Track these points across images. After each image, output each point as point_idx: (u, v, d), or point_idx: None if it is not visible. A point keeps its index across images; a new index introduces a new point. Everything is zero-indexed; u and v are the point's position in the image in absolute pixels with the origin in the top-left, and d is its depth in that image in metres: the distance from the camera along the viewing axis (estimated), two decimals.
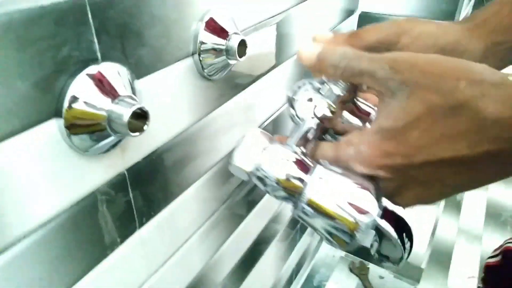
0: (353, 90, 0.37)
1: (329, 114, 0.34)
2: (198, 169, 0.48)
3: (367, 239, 0.29)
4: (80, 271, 0.34)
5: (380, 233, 0.30)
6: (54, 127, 0.29)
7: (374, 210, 0.29)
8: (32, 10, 0.25)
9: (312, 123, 0.34)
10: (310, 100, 0.35)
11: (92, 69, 0.29)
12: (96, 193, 0.34)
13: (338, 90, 0.35)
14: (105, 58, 0.31)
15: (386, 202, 0.30)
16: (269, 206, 0.76)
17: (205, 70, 0.42)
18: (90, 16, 0.29)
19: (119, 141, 0.33)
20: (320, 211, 0.29)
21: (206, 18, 0.41)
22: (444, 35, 0.35)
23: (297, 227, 0.98)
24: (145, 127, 0.30)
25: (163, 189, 0.43)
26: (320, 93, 0.36)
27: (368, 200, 0.29)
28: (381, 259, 0.31)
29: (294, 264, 1.04)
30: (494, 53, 0.35)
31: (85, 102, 0.29)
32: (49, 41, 0.26)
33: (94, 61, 0.30)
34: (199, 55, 0.41)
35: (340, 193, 0.29)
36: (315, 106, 0.35)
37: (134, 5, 0.32)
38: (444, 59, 0.26)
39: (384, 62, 0.27)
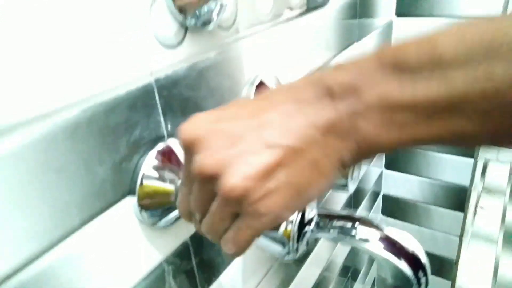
0: None
1: None
2: None
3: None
4: None
5: (395, 269, 0.29)
6: (127, 205, 0.30)
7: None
8: (110, 101, 0.27)
9: None
10: None
11: (161, 146, 0.31)
12: (163, 264, 0.34)
13: None
14: (171, 134, 0.32)
15: (401, 238, 0.30)
16: (321, 256, 0.74)
17: None
18: (157, 97, 0.30)
19: None
20: None
21: (257, 82, 0.42)
22: None
23: (348, 274, 0.95)
24: None
25: (222, 252, 0.42)
26: None
27: None
28: None
29: None
30: None
31: (155, 178, 0.30)
32: (123, 126, 0.28)
33: (162, 138, 0.31)
34: None
35: None
36: None
37: (194, 80, 0.34)
38: None
39: None
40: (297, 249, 0.29)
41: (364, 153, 0.21)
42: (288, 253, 0.29)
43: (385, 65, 0.20)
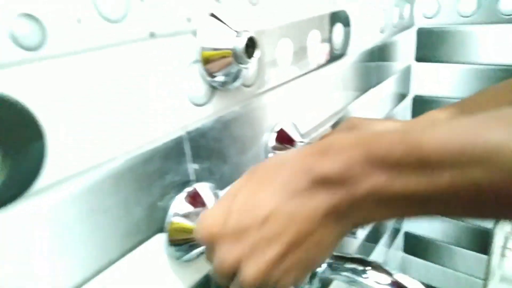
0: None
1: None
2: None
3: None
4: None
5: None
6: (158, 240, 0.34)
7: None
8: (148, 152, 0.32)
9: None
10: None
11: (188, 189, 0.35)
12: None
13: None
14: (198, 179, 0.37)
15: (410, 284, 0.32)
16: None
17: None
18: (187, 147, 0.35)
19: None
20: None
21: (276, 129, 0.47)
22: (385, 126, 0.43)
23: None
24: None
25: None
26: None
27: None
28: None
29: None
30: None
31: (183, 217, 0.34)
32: (158, 173, 0.33)
33: (189, 182, 0.36)
34: None
35: None
36: None
37: (219, 131, 0.39)
38: None
39: None
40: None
41: (362, 226, 0.25)
42: None
43: (374, 159, 0.22)
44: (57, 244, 0.26)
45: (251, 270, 0.25)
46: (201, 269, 0.40)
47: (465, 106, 0.42)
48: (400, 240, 1.11)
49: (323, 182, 0.23)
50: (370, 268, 0.36)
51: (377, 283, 0.33)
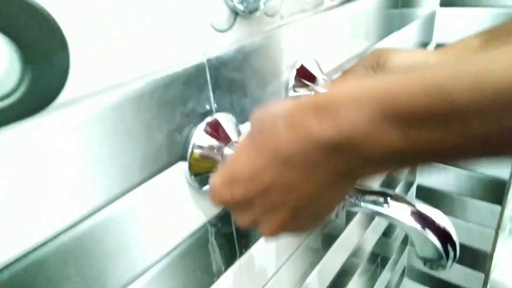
0: None
1: None
2: None
3: None
4: None
5: (424, 241, 0.33)
6: (179, 169, 0.34)
7: None
8: (170, 76, 0.31)
9: None
10: None
11: (209, 119, 0.35)
12: (207, 225, 0.39)
13: None
14: (218, 110, 0.36)
15: (432, 213, 0.32)
16: (349, 241, 0.77)
17: None
18: (208, 75, 0.34)
19: None
20: None
21: (297, 66, 0.45)
22: (415, 57, 0.42)
23: (377, 261, 0.97)
24: None
25: None
26: None
27: None
28: (430, 264, 0.34)
29: None
30: None
31: (204, 146, 0.34)
32: (179, 99, 0.32)
33: (210, 112, 0.35)
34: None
35: None
36: None
37: (240, 62, 0.37)
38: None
39: None
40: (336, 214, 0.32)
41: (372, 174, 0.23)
42: None
43: (389, 117, 0.18)
44: (81, 161, 0.26)
45: (266, 229, 0.27)
46: None
47: (496, 33, 0.40)
48: (412, 192, 1.12)
49: (326, 149, 0.20)
50: (391, 199, 0.36)
51: (399, 212, 0.33)
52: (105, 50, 0.26)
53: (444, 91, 0.17)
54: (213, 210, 0.39)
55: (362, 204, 0.35)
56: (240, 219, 0.28)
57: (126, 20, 0.27)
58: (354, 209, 0.36)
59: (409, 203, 0.34)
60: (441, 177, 1.04)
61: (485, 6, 0.79)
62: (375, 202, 0.35)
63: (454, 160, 0.20)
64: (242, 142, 0.27)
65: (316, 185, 0.23)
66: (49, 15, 0.22)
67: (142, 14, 0.27)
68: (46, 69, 0.23)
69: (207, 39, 0.33)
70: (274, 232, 0.27)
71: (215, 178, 0.28)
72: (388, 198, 0.35)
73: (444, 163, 0.21)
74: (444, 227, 0.33)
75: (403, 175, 1.00)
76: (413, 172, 1.08)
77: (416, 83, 0.18)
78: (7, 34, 0.21)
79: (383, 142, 0.19)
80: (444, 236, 0.33)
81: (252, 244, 0.46)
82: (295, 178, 0.23)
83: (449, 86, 0.17)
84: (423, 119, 0.18)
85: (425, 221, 0.33)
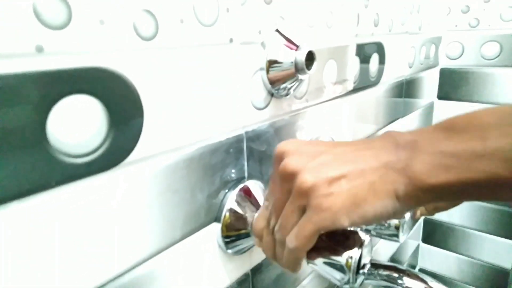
0: None
1: None
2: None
3: None
4: None
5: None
6: (213, 230, 0.37)
7: None
8: (215, 144, 0.35)
9: None
10: None
11: (242, 184, 0.38)
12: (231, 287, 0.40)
13: None
14: (250, 177, 0.40)
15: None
16: None
17: None
18: (245, 146, 0.38)
19: (253, 246, 0.40)
20: None
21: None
22: None
23: None
24: None
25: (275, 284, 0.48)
26: None
27: None
28: None
29: None
30: None
31: (237, 210, 0.37)
32: (220, 164, 0.36)
33: (243, 179, 0.39)
34: None
35: None
36: None
37: (271, 136, 0.42)
38: None
39: None
40: (355, 280, 0.34)
41: (416, 191, 0.26)
42: (348, 282, 0.33)
43: (440, 128, 0.26)
44: (137, 215, 0.29)
45: (307, 174, 0.27)
46: (244, 266, 0.42)
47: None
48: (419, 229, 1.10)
49: (395, 145, 0.27)
50: (404, 275, 0.38)
51: None
52: (168, 119, 0.30)
53: (475, 115, 0.25)
54: (236, 274, 0.41)
55: (377, 278, 0.38)
56: (291, 162, 0.29)
57: (185, 96, 0.31)
58: (369, 281, 0.38)
59: (423, 280, 0.36)
60: (442, 262, 1.04)
61: (476, 101, 0.88)
62: (389, 277, 0.37)
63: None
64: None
65: (377, 180, 0.27)
66: (135, 88, 0.27)
67: (201, 89, 0.32)
68: (125, 132, 0.27)
69: (247, 114, 0.38)
70: (314, 184, 0.27)
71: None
72: (402, 274, 0.37)
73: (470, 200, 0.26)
74: None
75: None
76: (415, 257, 1.08)
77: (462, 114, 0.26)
78: (102, 101, 0.25)
79: (433, 141, 0.26)
80: None
81: None
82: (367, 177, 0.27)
83: (479, 113, 0.25)
84: (460, 129, 0.25)
85: None
